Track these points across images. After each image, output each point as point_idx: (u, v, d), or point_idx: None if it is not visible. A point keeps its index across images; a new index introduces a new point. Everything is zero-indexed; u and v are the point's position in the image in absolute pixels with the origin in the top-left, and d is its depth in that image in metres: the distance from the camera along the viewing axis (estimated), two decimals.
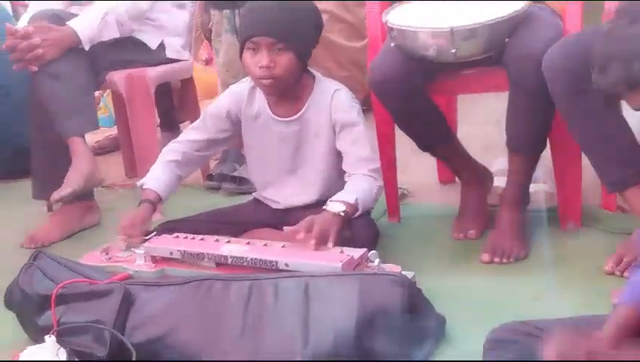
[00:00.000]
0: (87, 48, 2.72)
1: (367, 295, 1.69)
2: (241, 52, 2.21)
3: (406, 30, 2.20)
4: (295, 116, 2.28)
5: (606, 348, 1.32)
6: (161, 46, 3.01)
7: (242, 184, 3.01)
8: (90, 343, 1.80)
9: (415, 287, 1.77)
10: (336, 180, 2.26)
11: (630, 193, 2.06)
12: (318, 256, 1.93)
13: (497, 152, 2.64)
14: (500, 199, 2.34)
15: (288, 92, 2.26)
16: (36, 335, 1.89)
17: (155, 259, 2.10)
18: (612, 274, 2.02)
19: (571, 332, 1.36)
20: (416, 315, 1.71)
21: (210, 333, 1.75)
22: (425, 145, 2.46)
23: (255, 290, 1.77)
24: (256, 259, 1.96)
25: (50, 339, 1.73)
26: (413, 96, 2.29)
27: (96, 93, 4.04)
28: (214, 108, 2.38)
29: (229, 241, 2.08)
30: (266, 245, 2.04)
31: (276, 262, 1.93)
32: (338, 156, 2.27)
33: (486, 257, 2.20)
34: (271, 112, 2.30)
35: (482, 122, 3.24)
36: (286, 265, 1.92)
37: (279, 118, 2.30)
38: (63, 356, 1.69)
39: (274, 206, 2.37)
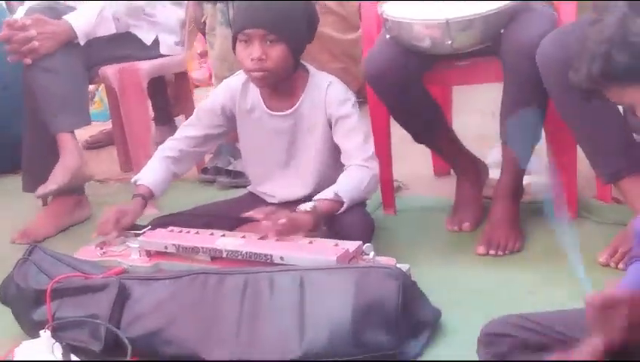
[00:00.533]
0: (82, 43, 2.72)
1: (363, 288, 1.69)
2: (234, 44, 2.21)
3: (401, 21, 2.20)
4: (289, 110, 2.28)
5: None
6: (156, 42, 3.00)
7: (237, 177, 3.00)
8: (86, 338, 1.80)
9: (410, 280, 1.77)
10: (331, 174, 2.25)
11: (624, 184, 2.06)
12: (313, 249, 1.93)
13: (493, 143, 2.63)
14: (494, 191, 2.34)
15: (282, 86, 2.25)
16: (31, 330, 1.89)
17: (149, 253, 2.10)
18: (607, 265, 2.02)
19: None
20: (411, 308, 1.71)
21: (205, 327, 1.75)
22: (420, 137, 2.46)
23: (250, 284, 1.77)
24: (251, 252, 1.96)
25: (46, 334, 1.72)
26: (408, 88, 2.29)
27: (91, 87, 4.04)
28: (208, 104, 2.38)
29: (223, 235, 2.08)
30: (260, 238, 2.03)
31: (271, 256, 1.93)
32: (333, 150, 2.27)
33: (481, 249, 2.20)
34: (265, 106, 2.30)
35: (478, 113, 3.25)
36: (281, 258, 1.91)
37: (273, 113, 2.29)
38: (58, 351, 1.69)
39: (269, 200, 2.36)
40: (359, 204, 2.19)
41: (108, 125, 3.89)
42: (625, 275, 1.47)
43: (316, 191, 2.21)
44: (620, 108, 2.04)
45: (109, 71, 2.87)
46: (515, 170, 2.30)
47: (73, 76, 2.69)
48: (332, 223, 2.13)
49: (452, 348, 1.72)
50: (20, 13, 2.83)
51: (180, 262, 2.05)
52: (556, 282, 1.95)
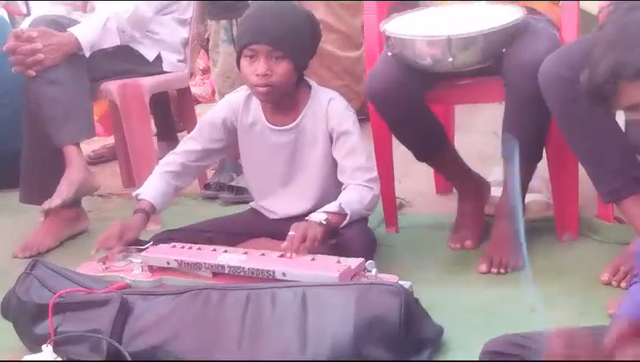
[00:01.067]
0: (87, 55, 2.72)
1: (365, 305, 1.69)
2: (238, 59, 2.21)
3: (403, 39, 2.21)
4: (291, 125, 2.28)
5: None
6: (158, 58, 3.01)
7: (239, 193, 3.00)
8: (88, 352, 1.80)
9: (412, 297, 1.77)
10: (333, 189, 2.26)
11: (626, 203, 2.06)
12: (315, 265, 1.93)
13: (494, 162, 2.64)
14: (496, 209, 2.35)
15: (284, 101, 2.26)
16: (33, 345, 1.89)
17: (152, 269, 2.10)
18: (609, 284, 2.02)
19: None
20: (414, 325, 1.71)
21: (207, 343, 1.75)
22: (422, 156, 2.47)
23: (252, 300, 1.77)
24: (253, 268, 1.96)
25: (47, 349, 1.73)
26: (410, 106, 2.30)
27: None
28: (210, 118, 2.39)
29: (226, 251, 2.08)
30: (263, 255, 2.04)
31: (273, 272, 1.93)
32: (334, 165, 2.27)
33: (483, 267, 2.21)
34: (267, 121, 2.30)
35: (480, 132, 3.25)
36: (283, 274, 1.91)
37: (275, 127, 2.30)
38: None
39: (271, 216, 2.37)
40: (361, 220, 2.20)
41: (111, 140, 3.90)
42: (627, 295, 1.47)
43: (317, 206, 2.21)
44: (623, 127, 2.05)
45: (112, 86, 2.88)
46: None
47: (78, 88, 2.70)
48: (330, 243, 2.13)
49: None
50: (25, 25, 2.84)
51: (182, 277, 2.05)
52: (558, 301, 1.95)
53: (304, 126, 2.28)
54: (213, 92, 4.30)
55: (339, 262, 1.93)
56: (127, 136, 2.95)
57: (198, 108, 3.64)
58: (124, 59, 2.91)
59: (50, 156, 2.68)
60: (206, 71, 5.06)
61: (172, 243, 2.16)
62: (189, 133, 2.57)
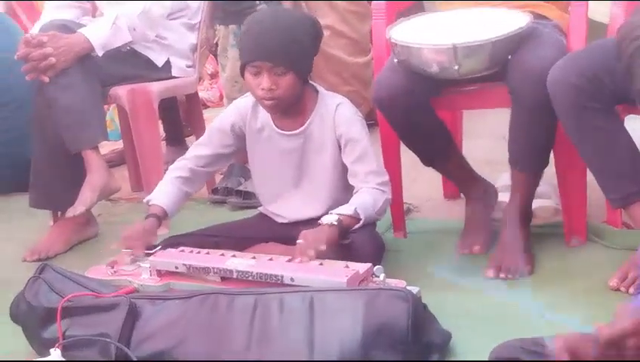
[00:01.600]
0: (100, 54, 2.72)
1: (373, 310, 1.69)
2: (242, 71, 2.22)
3: (409, 47, 2.21)
4: (299, 130, 2.29)
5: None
6: (167, 64, 3.01)
7: (247, 198, 3.01)
8: (96, 356, 1.80)
9: (420, 302, 1.77)
10: (341, 193, 2.27)
11: (634, 209, 2.06)
12: (323, 270, 1.94)
13: (502, 168, 2.64)
14: (504, 215, 2.34)
15: (291, 106, 2.26)
16: (42, 349, 1.90)
17: (160, 273, 2.10)
18: (617, 290, 2.02)
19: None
20: (422, 331, 1.71)
21: (215, 348, 1.75)
22: (429, 161, 2.47)
23: (260, 305, 1.77)
24: (261, 273, 1.96)
25: (56, 352, 1.73)
26: (417, 112, 2.30)
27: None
28: (219, 123, 2.39)
29: (234, 255, 2.08)
30: (271, 259, 2.04)
31: (281, 277, 1.93)
32: (343, 169, 2.28)
33: (491, 273, 2.20)
34: (275, 126, 2.31)
35: (487, 137, 3.25)
36: (291, 279, 1.91)
37: (283, 132, 2.31)
38: None
39: (279, 220, 2.37)
40: (370, 225, 2.20)
41: (120, 145, 3.91)
42: (634, 301, 1.47)
43: (327, 210, 2.20)
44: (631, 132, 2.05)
45: (121, 91, 2.89)
46: (523, 194, 2.30)
47: (91, 92, 2.70)
48: (342, 243, 2.13)
49: None
50: (35, 31, 2.85)
51: (190, 282, 2.05)
52: (567, 306, 1.95)
53: (312, 131, 2.29)
54: (221, 96, 4.32)
55: (347, 267, 1.93)
56: (135, 141, 2.96)
57: (206, 113, 3.65)
58: (133, 65, 2.91)
59: (60, 160, 2.69)
60: (214, 75, 5.08)
61: (180, 248, 2.17)
62: (197, 137, 2.58)
